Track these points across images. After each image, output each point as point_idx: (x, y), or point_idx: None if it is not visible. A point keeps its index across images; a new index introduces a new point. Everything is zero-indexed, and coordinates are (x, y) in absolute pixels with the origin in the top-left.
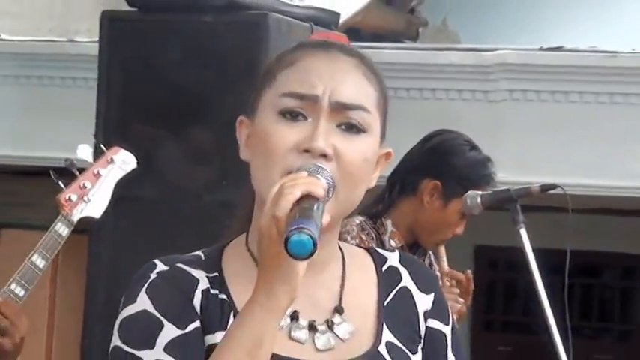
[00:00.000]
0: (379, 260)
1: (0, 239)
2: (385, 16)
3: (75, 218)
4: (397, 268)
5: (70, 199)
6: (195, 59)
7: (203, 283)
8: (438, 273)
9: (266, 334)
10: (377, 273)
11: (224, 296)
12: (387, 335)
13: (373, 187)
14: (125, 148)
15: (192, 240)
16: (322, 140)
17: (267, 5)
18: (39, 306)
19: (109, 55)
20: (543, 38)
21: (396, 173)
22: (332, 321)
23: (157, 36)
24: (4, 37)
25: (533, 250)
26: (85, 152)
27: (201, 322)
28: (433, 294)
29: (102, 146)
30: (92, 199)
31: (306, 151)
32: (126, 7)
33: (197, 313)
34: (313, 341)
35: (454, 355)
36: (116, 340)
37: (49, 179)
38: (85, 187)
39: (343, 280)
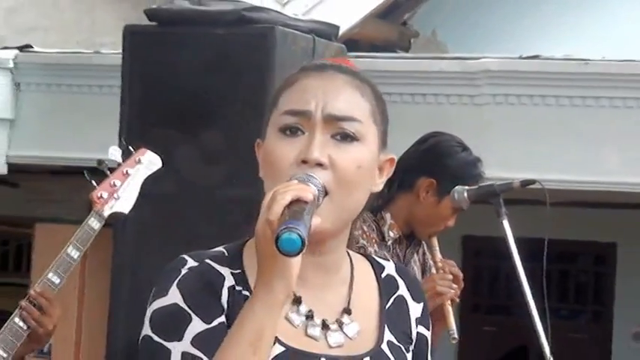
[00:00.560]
0: (378, 268)
1: (34, 233)
2: (380, 28)
3: (106, 213)
4: (394, 277)
5: (101, 196)
6: (209, 68)
7: (229, 280)
8: (431, 262)
9: (266, 327)
10: (377, 279)
11: (247, 293)
12: (388, 335)
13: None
14: (146, 148)
15: (206, 231)
16: (317, 151)
17: (273, 19)
18: (69, 294)
19: (131, 65)
20: (523, 47)
21: (394, 171)
22: (341, 321)
23: (174, 47)
24: (36, 49)
25: (515, 240)
26: (115, 153)
27: (227, 318)
28: (422, 303)
29: (130, 148)
30: (121, 196)
31: (304, 162)
32: (146, 22)
33: (223, 309)
34: (326, 338)
35: (432, 357)
36: (147, 330)
37: (78, 178)
38: (115, 185)
39: (351, 283)
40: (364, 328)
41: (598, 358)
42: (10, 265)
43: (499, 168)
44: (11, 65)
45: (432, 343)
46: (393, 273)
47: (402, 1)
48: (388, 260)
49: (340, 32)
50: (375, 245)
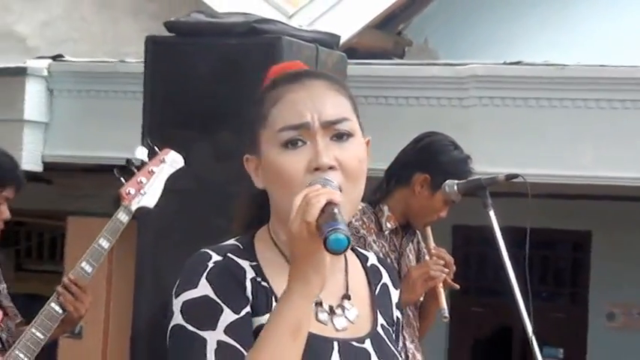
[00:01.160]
0: (362, 258)
1: (67, 225)
2: (377, 37)
3: (133, 208)
4: (378, 266)
5: (129, 192)
6: (222, 74)
7: (250, 273)
8: (425, 250)
9: (304, 317)
10: (363, 268)
11: (266, 284)
12: (381, 320)
13: (373, 178)
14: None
15: (220, 223)
16: (325, 157)
17: (280, 30)
18: (99, 281)
19: (152, 73)
20: (507, 54)
21: (392, 167)
22: (343, 306)
23: (191, 56)
24: (67, 58)
25: (500, 228)
26: (141, 153)
27: (251, 307)
28: (399, 290)
29: (155, 148)
30: (147, 192)
31: (317, 169)
32: (166, 33)
33: (248, 299)
34: (332, 322)
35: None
36: (179, 320)
37: (106, 175)
38: (142, 182)
39: (346, 270)
40: (361, 312)
41: (575, 336)
42: (45, 255)
43: (485, 164)
44: (45, 73)
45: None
46: (376, 263)
47: (397, 12)
48: (369, 251)
49: (341, 42)
50: (374, 235)
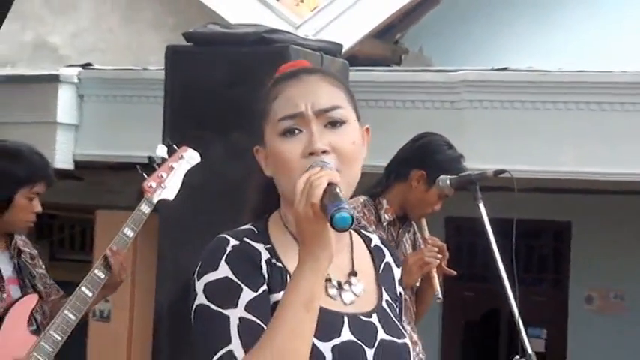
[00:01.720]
0: (367, 239)
1: (95, 218)
2: (376, 46)
3: (155, 200)
4: (381, 247)
5: (151, 186)
6: (235, 80)
7: (265, 254)
8: (421, 240)
9: (316, 289)
10: (368, 248)
11: (280, 264)
12: (385, 295)
13: (373, 174)
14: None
15: (234, 215)
16: (319, 142)
17: (288, 39)
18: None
19: (172, 79)
20: (495, 61)
21: (391, 164)
22: (350, 281)
23: (207, 63)
24: (96, 66)
25: (489, 220)
26: (162, 151)
27: (268, 285)
28: (400, 268)
29: (174, 146)
30: (167, 185)
31: (312, 153)
32: (184, 43)
33: (265, 278)
34: (341, 297)
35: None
36: (202, 300)
37: (130, 172)
38: (162, 177)
39: (352, 248)
40: (367, 288)
41: (557, 317)
42: (76, 245)
43: (476, 161)
44: (76, 80)
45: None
46: (379, 244)
47: (395, 23)
48: (373, 233)
49: (343, 50)
50: (373, 226)
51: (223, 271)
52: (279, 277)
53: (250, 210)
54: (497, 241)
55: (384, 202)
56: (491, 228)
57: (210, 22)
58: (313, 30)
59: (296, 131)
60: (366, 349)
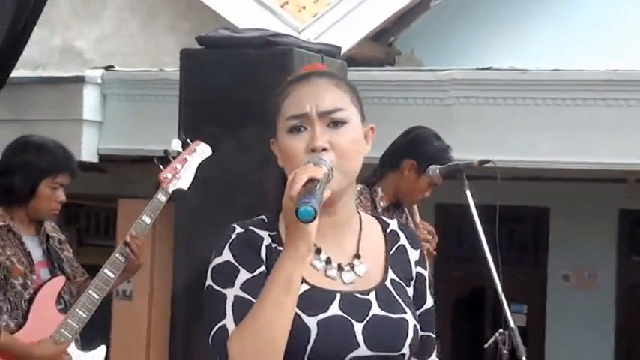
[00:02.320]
0: (385, 225)
1: (118, 207)
2: (372, 48)
3: (170, 190)
4: (397, 231)
5: (167, 177)
6: (243, 80)
7: (267, 240)
8: (413, 225)
9: (294, 274)
10: (383, 234)
11: (281, 248)
12: (391, 275)
13: (370, 165)
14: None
15: (244, 203)
16: (319, 140)
17: (291, 43)
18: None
19: (186, 79)
20: (480, 61)
21: (385, 155)
22: (353, 263)
23: (218, 65)
24: (117, 68)
25: (475, 206)
26: (177, 145)
27: (266, 267)
28: (419, 250)
29: (188, 141)
30: (182, 176)
31: (313, 150)
32: (197, 46)
33: (263, 261)
34: (341, 277)
35: (429, 290)
36: (209, 281)
37: (149, 164)
38: (177, 169)
39: (360, 234)
40: (371, 269)
41: (536, 294)
42: (101, 231)
43: (462, 152)
44: (100, 81)
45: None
46: (396, 228)
47: (388, 27)
48: (392, 219)
49: (342, 52)
50: (369, 212)
51: (226, 255)
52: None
53: (269, 200)
54: (482, 226)
55: (379, 190)
56: (477, 213)
57: (221, 27)
58: (314, 34)
59: (301, 129)
60: (355, 323)
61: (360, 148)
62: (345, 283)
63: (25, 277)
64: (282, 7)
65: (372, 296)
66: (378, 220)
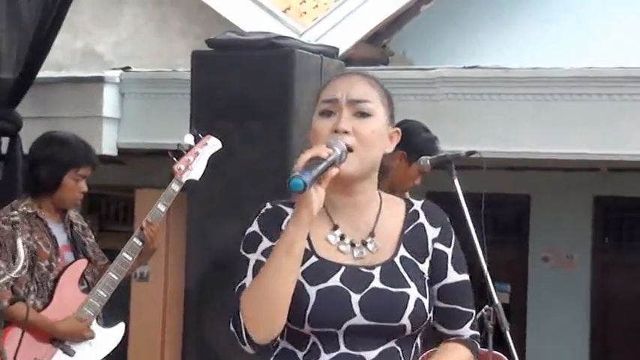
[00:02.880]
0: (409, 206)
1: (135, 196)
2: (367, 49)
3: (183, 180)
4: (417, 211)
5: (180, 168)
6: (250, 79)
7: (290, 216)
8: None
9: (296, 240)
10: (405, 214)
11: None
12: (402, 252)
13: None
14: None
15: (252, 194)
16: (344, 124)
17: (293, 44)
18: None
19: (197, 79)
20: (467, 60)
21: None
22: (365, 241)
23: (226, 65)
24: (134, 69)
25: (462, 193)
26: (189, 139)
27: None
28: (440, 227)
29: (199, 135)
30: (194, 168)
31: (336, 131)
32: (207, 48)
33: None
34: (352, 253)
35: (453, 266)
36: (240, 249)
37: (164, 157)
38: (190, 161)
39: (378, 216)
40: (384, 246)
41: (519, 274)
42: (120, 219)
43: (450, 144)
44: (118, 81)
45: None
46: (418, 208)
47: (382, 30)
48: (420, 201)
49: (340, 53)
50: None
51: (254, 227)
52: None
53: None
54: (469, 211)
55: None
56: (465, 200)
57: (229, 30)
58: (315, 36)
59: (331, 114)
60: (352, 294)
61: (381, 141)
62: (354, 258)
63: (51, 259)
64: (284, 12)
65: (376, 271)
66: (404, 200)
